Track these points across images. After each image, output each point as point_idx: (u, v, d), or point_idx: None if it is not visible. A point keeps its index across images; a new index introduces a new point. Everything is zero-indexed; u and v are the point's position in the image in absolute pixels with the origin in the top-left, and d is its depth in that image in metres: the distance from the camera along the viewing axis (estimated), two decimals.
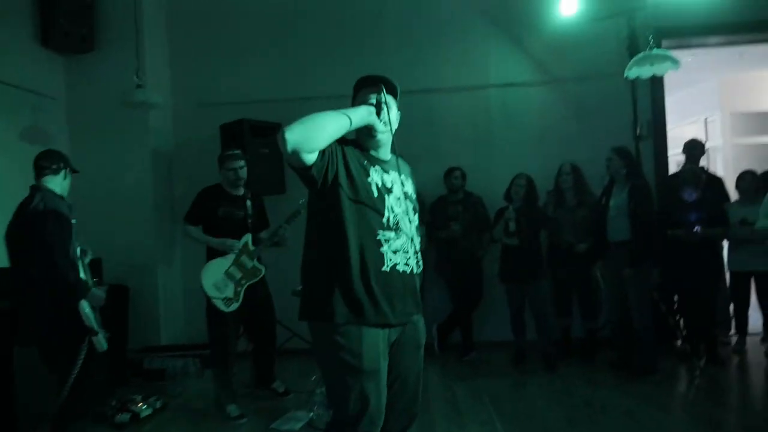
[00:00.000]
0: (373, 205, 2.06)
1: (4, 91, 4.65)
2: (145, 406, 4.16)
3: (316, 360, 2.11)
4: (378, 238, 2.03)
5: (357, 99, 2.14)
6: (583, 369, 4.86)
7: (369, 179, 2.10)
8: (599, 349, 5.15)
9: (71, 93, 5.43)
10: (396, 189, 2.17)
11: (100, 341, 2.93)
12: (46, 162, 3.03)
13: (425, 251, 5.33)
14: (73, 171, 3.12)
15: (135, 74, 4.95)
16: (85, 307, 2.82)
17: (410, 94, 5.43)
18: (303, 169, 1.92)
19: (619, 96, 5.63)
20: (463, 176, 5.32)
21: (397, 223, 2.11)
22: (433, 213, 5.32)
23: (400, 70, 5.56)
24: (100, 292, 2.98)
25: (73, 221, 3.04)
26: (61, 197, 3.02)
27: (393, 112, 2.10)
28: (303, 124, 1.82)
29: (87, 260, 3.18)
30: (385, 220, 2.07)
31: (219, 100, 5.65)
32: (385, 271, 2.03)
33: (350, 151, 2.08)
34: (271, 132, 5.22)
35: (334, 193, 2.01)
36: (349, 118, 1.97)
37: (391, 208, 2.11)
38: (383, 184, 2.13)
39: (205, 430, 3.92)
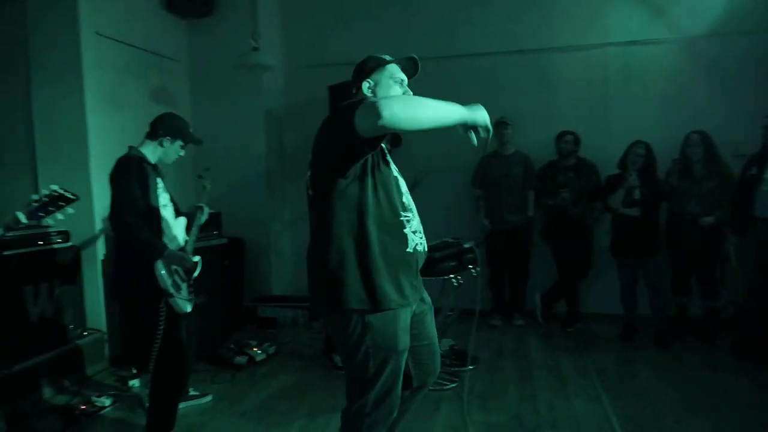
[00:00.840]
0: (396, 185, 2.03)
1: (134, 54, 4.86)
2: (260, 351, 4.42)
3: (342, 348, 2.03)
4: (401, 219, 1.99)
5: (384, 76, 2.05)
6: (701, 351, 4.48)
7: (387, 157, 2.09)
8: (719, 331, 4.73)
9: (193, 55, 5.61)
10: (393, 167, 2.13)
11: (177, 303, 2.78)
12: (151, 126, 2.97)
13: (532, 217, 5.29)
14: (186, 141, 3.00)
15: (251, 37, 4.98)
16: (160, 268, 2.73)
17: (521, 54, 5.24)
18: (375, 140, 1.80)
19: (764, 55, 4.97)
20: (576, 141, 5.02)
21: (410, 203, 2.08)
22: (542, 178, 5.11)
23: (512, 28, 5.41)
24: (180, 254, 2.81)
25: (158, 180, 2.92)
26: (147, 161, 2.93)
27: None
28: (407, 103, 1.72)
29: (203, 218, 3.17)
30: (405, 200, 2.05)
31: (328, 61, 5.60)
32: (409, 252, 2.00)
33: None
34: None
35: (371, 172, 1.94)
36: (454, 116, 1.83)
37: (403, 188, 2.09)
38: (392, 163, 2.11)
39: (313, 376, 4.05)
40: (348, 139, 1.75)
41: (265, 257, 5.59)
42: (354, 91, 2.07)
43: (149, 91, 5.07)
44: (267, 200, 5.59)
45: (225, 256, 4.83)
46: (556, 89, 5.41)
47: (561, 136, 5.09)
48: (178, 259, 2.79)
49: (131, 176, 2.75)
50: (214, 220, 4.59)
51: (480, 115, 1.85)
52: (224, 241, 4.77)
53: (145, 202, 2.77)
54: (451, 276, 3.39)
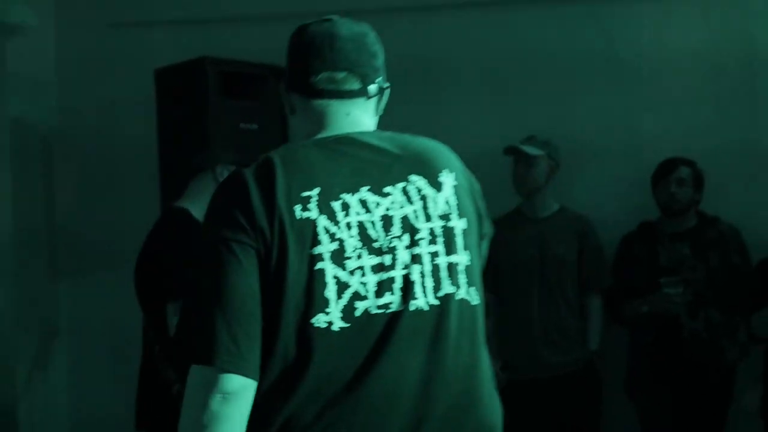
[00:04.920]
0: None
1: None
2: None
3: None
4: None
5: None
6: None
7: None
8: None
9: None
10: None
11: None
12: None
13: (598, 353, 3.18)
14: None
15: None
16: None
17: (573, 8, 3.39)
18: None
19: None
20: (697, 180, 3.05)
21: None
22: (623, 264, 3.18)
23: None
24: None
25: None
26: None
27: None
28: None
29: None
30: None
31: (155, 16, 3.47)
32: None
33: None
34: (261, 83, 3.31)
35: None
36: None
37: None
38: None
39: None
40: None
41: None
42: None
43: None
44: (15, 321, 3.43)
45: None
46: (643, 82, 3.21)
47: (667, 168, 2.97)
48: None
49: None
50: None
51: None
52: None
53: None
54: None
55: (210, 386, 1.04)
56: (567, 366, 2.89)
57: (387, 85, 1.24)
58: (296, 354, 1.04)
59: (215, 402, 1.03)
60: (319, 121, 1.19)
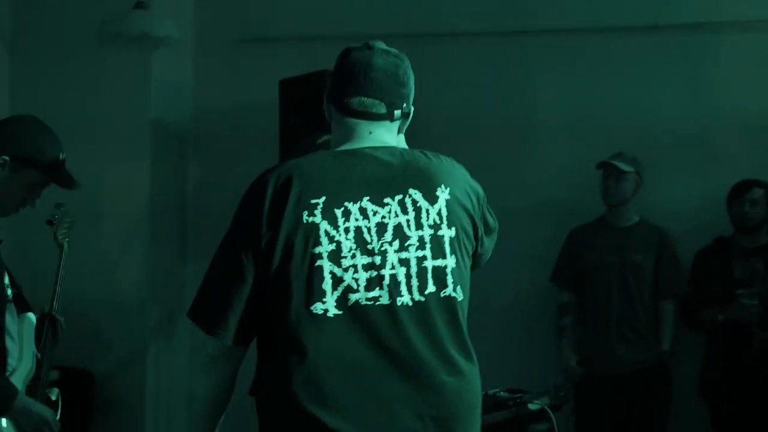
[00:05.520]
0: None
1: None
2: None
3: None
4: None
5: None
6: None
7: None
8: None
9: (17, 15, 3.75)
10: None
11: None
12: None
13: (672, 353, 3.20)
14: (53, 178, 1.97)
15: None
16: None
17: (658, 32, 3.14)
18: None
19: None
20: None
21: None
22: (699, 274, 3.17)
23: None
24: (39, 412, 2.08)
25: None
26: None
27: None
28: None
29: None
30: None
31: (278, 34, 3.69)
32: None
33: None
34: None
35: None
36: None
37: None
38: None
39: None
40: (484, 245, 1.45)
41: (136, 412, 3.57)
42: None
43: None
44: (146, 299, 3.64)
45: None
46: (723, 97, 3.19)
47: (741, 189, 3.04)
48: (35, 421, 2.04)
49: None
50: None
51: None
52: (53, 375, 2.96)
53: None
54: None
55: (203, 346, 1.32)
56: (640, 363, 3.01)
57: (411, 109, 1.39)
58: (299, 334, 1.21)
59: (204, 361, 1.34)
60: (346, 134, 1.34)
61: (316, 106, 3.58)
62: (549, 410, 2.51)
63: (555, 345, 3.21)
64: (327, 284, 1.23)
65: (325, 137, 2.52)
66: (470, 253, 1.36)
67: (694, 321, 3.02)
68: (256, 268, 1.25)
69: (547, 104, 3.36)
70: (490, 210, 1.44)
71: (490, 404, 2.48)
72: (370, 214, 1.26)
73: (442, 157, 1.39)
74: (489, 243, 1.44)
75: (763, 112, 3.10)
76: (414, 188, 1.28)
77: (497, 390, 2.53)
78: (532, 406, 2.54)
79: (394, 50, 1.37)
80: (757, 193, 2.92)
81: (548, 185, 3.15)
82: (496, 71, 3.44)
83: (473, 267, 1.41)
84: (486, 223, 1.40)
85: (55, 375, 2.95)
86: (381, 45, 1.37)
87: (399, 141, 1.40)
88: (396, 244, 1.25)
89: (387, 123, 1.34)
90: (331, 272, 1.22)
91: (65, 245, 2.32)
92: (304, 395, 1.20)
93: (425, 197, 1.28)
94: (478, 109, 3.20)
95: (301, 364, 1.21)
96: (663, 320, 3.06)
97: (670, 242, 3.10)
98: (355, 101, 1.33)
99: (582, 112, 3.14)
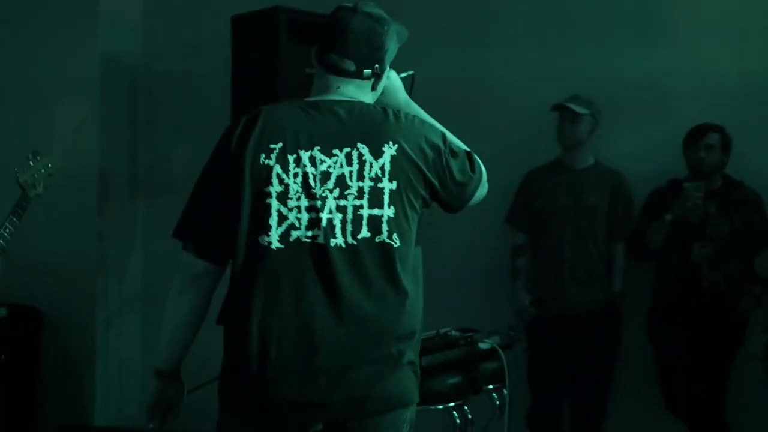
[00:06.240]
0: None
1: None
2: None
3: None
4: None
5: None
6: None
7: None
8: None
9: None
10: None
11: None
12: None
13: (621, 294, 3.26)
14: None
15: None
16: None
17: None
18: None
19: None
20: (724, 144, 3.04)
21: None
22: (650, 216, 3.11)
23: None
24: None
25: None
26: None
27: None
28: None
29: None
30: None
31: None
32: None
33: None
34: None
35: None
36: None
37: None
38: None
39: None
40: (448, 195, 1.55)
41: (86, 348, 3.58)
42: (368, 69, 1.51)
43: None
44: (96, 235, 3.60)
45: None
46: (675, 38, 3.17)
47: (696, 134, 3.01)
48: None
49: None
50: None
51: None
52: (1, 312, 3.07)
53: None
54: (452, 404, 2.44)
55: (185, 266, 1.46)
56: (591, 304, 3.05)
57: (383, 70, 1.51)
58: (247, 261, 1.39)
59: (188, 280, 1.46)
60: (319, 86, 1.51)
61: (269, 43, 3.39)
62: (499, 349, 2.54)
63: (509, 286, 3.25)
64: (273, 220, 1.39)
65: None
66: (418, 205, 1.49)
67: (642, 245, 3.01)
68: (226, 195, 1.42)
69: (503, 56, 3.32)
70: (469, 161, 1.55)
71: (441, 343, 2.55)
72: (318, 162, 1.41)
73: (402, 114, 1.50)
74: (460, 190, 1.55)
75: (717, 57, 3.10)
76: (362, 143, 1.42)
77: (448, 329, 2.57)
78: (482, 345, 2.56)
79: (378, 13, 1.49)
80: (714, 137, 2.90)
81: (505, 130, 3.14)
82: (452, 23, 3.40)
83: (450, 209, 1.57)
84: (451, 174, 1.50)
85: (2, 312, 3.01)
86: (367, 8, 1.50)
87: (372, 98, 1.54)
88: (336, 191, 1.39)
89: (357, 81, 1.48)
90: (278, 210, 1.38)
91: (29, 191, 2.44)
92: (255, 314, 1.39)
93: (371, 152, 1.41)
94: (434, 58, 3.12)
95: (248, 291, 1.40)
96: (615, 261, 3.09)
97: (624, 185, 3.09)
98: (330, 57, 1.49)
99: (537, 63, 3.12)
